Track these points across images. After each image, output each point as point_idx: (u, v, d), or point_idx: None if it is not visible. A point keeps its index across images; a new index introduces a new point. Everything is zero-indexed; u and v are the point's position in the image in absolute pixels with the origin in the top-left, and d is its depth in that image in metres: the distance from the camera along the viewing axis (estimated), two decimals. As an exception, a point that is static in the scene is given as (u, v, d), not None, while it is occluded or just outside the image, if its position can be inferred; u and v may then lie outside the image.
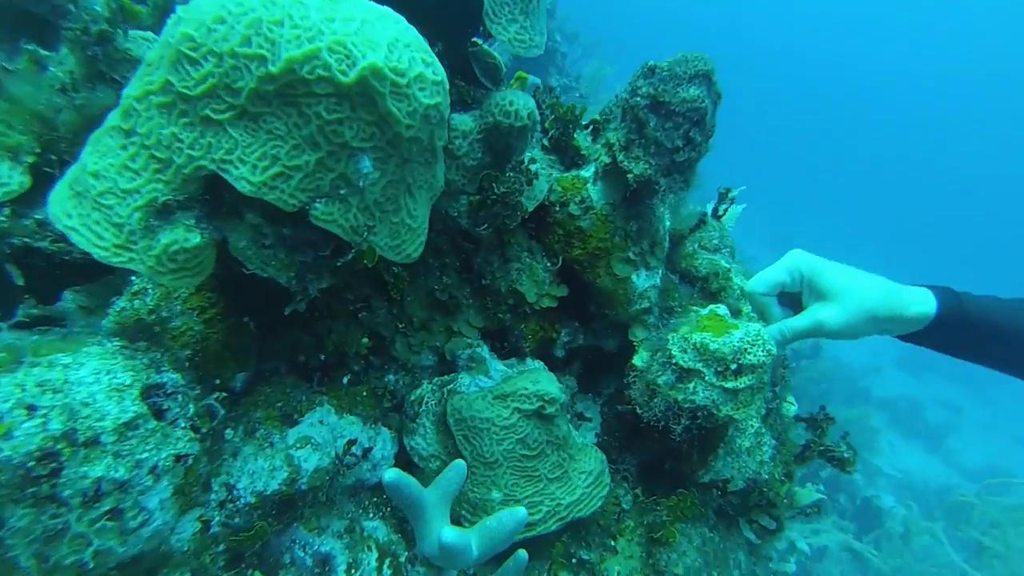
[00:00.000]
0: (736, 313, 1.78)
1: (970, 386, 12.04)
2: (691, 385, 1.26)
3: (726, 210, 2.18)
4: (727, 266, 1.77)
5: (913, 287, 1.18)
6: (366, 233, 1.11)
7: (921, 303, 1.14)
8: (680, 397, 1.26)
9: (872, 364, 11.09)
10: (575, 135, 1.80)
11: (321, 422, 1.42)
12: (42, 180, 1.45)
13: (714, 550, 1.47)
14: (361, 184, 1.08)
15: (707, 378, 1.23)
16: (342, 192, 1.08)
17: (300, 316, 1.59)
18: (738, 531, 1.62)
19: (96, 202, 1.03)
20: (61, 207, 1.03)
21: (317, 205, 1.07)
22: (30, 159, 1.48)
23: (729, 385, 1.21)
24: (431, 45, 1.28)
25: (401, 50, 1.03)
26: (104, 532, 1.05)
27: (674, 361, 1.28)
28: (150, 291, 1.44)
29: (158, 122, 1.02)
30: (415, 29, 1.11)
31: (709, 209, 2.23)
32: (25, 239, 1.46)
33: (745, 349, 1.22)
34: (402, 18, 1.11)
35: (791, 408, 1.98)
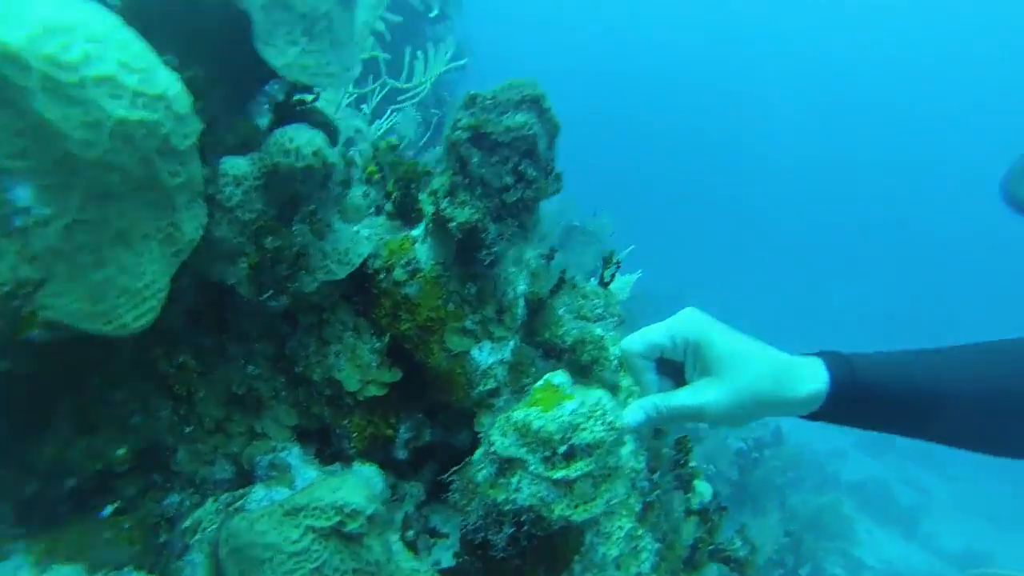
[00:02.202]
0: (613, 389, 1.49)
1: (930, 465, 11.80)
2: (514, 479, 0.94)
3: (612, 276, 1.97)
4: (600, 334, 1.51)
5: (805, 359, 0.93)
6: (31, 291, 0.81)
7: (812, 379, 0.90)
8: (501, 497, 0.94)
9: (836, 448, 10.80)
10: (420, 196, 1.58)
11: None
12: None
13: None
14: (17, 222, 0.79)
15: (531, 468, 0.92)
16: (-17, 236, 0.79)
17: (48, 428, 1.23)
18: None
19: None
20: None
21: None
22: None
23: (558, 475, 0.90)
24: (186, 67, 1.06)
25: (81, 42, 0.79)
26: None
27: (493, 449, 0.97)
28: None
29: None
30: (143, 41, 0.88)
31: (596, 279, 2.02)
32: None
33: (578, 424, 0.92)
34: (120, 20, 0.87)
35: (703, 498, 1.64)
